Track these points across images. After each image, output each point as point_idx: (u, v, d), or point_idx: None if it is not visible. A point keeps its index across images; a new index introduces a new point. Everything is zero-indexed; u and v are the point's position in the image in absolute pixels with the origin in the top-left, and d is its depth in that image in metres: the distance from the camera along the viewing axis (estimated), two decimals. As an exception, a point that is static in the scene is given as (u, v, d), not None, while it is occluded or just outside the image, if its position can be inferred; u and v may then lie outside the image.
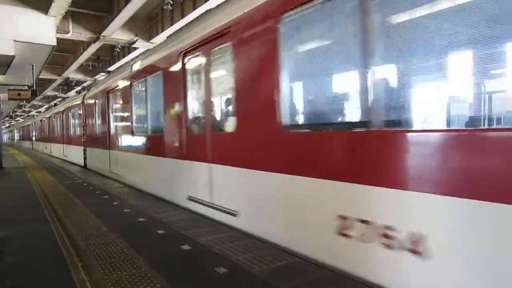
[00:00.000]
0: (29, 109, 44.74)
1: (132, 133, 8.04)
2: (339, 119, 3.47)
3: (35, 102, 37.52)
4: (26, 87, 13.37)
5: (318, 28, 3.46)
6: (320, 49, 3.62)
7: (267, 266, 3.18)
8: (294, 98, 3.68)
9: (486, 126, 2.57)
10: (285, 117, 3.54)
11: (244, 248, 3.66)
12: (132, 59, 9.62)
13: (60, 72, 24.79)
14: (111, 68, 21.99)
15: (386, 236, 2.67)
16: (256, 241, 3.90)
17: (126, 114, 8.46)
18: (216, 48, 4.80)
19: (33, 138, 32.42)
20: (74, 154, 15.17)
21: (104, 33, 15.80)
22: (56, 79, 26.27)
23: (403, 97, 2.89)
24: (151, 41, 16.50)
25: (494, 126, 2.59)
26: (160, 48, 6.84)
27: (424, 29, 2.74)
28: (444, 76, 2.76)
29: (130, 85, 7.98)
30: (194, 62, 5.38)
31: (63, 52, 21.05)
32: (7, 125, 64.87)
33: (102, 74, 23.22)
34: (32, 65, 11.73)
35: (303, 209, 3.40)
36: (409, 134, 2.61)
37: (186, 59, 5.49)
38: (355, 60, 3.06)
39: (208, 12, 5.79)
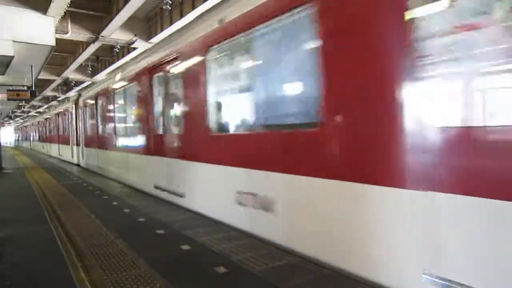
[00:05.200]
0: (28, 109, 44.70)
1: (116, 134, 9.57)
2: (234, 126, 4.81)
3: (34, 102, 37.48)
4: (25, 88, 13.34)
5: (227, 58, 4.91)
6: (227, 74, 5.05)
7: (266, 266, 3.19)
8: (214, 110, 4.97)
9: None
10: (211, 124, 4.90)
11: (244, 248, 3.66)
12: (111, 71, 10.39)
13: (59, 72, 24.72)
14: (111, 68, 22.00)
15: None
16: (256, 241, 3.92)
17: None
18: (171, 68, 6.15)
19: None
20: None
21: (103, 33, 15.76)
22: (55, 80, 26.22)
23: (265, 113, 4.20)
24: (150, 41, 16.47)
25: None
26: (135, 63, 8.30)
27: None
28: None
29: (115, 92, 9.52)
30: (159, 77, 6.71)
31: (62, 52, 21.01)
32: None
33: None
34: (31, 66, 11.69)
35: (218, 188, 4.77)
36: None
37: (153, 75, 6.79)
38: (242, 86, 4.63)
39: (170, 37, 7.40)
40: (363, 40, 2.83)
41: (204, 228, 4.45)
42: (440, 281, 2.29)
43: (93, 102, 11.42)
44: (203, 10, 12.19)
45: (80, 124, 13.59)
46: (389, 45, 2.64)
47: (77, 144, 14.18)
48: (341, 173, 2.97)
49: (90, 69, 24.17)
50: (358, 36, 2.87)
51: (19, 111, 45.85)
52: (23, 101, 28.65)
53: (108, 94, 10.00)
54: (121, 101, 9.32)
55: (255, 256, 3.42)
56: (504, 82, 2.32)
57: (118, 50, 18.65)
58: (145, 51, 9.04)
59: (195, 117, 5.24)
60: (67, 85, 28.14)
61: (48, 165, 15.32)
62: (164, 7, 13.41)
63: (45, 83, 28.19)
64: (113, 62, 21.20)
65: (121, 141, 9.02)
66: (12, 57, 9.90)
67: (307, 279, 2.88)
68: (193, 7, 12.69)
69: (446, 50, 2.43)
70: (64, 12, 10.92)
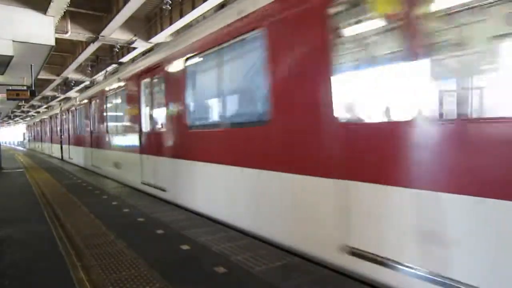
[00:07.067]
0: (27, 109, 44.68)
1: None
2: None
3: (33, 102, 37.42)
4: (24, 87, 13.32)
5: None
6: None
7: (266, 266, 3.18)
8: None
9: None
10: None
11: (243, 248, 3.66)
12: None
13: (59, 72, 24.70)
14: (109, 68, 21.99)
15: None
16: (255, 241, 3.91)
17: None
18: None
19: None
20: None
21: (103, 33, 15.74)
22: (55, 79, 26.20)
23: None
24: (150, 41, 16.46)
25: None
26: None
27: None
28: None
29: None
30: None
31: (62, 52, 20.98)
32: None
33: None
34: (31, 65, 11.67)
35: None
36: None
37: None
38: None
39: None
40: None
41: (204, 228, 4.44)
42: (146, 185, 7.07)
43: None
44: (203, 10, 12.25)
45: None
46: None
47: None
48: None
49: (90, 68, 24.15)
50: None
51: (19, 111, 45.83)
52: (23, 101, 28.63)
53: None
54: None
55: (255, 256, 3.42)
56: None
57: (118, 50, 18.63)
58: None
59: None
60: (66, 85, 28.12)
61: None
62: (164, 7, 13.39)
63: (45, 83, 28.15)
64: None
65: None
66: (12, 56, 9.89)
67: (307, 279, 2.88)
68: (193, 7, 12.68)
69: None
70: (64, 12, 10.89)
